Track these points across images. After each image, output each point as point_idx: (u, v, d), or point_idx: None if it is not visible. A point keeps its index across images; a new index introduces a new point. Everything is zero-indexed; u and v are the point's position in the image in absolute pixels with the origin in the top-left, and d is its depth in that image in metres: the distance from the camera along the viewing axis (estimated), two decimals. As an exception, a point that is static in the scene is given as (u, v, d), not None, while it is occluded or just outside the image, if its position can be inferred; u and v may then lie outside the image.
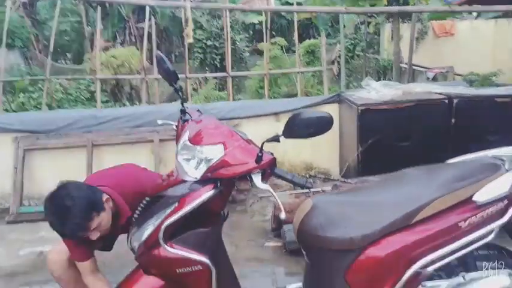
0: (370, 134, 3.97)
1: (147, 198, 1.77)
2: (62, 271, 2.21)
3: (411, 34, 6.26)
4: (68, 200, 1.85)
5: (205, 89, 9.48)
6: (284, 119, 1.57)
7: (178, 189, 1.69)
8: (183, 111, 2.06)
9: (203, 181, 1.66)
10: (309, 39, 12.56)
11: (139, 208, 1.78)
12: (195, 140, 1.72)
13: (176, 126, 2.11)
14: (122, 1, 10.30)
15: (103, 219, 1.94)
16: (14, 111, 7.82)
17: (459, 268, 1.90)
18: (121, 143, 4.51)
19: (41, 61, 8.81)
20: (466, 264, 1.91)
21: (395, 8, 6.69)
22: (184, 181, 1.69)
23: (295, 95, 6.03)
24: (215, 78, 9.72)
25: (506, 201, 1.81)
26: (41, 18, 13.38)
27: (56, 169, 4.47)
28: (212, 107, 4.98)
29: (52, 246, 3.27)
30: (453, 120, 4.03)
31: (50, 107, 7.73)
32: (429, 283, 1.82)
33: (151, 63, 5.83)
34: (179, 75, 2.09)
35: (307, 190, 3.27)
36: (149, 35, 5.35)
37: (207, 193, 1.65)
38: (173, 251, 1.69)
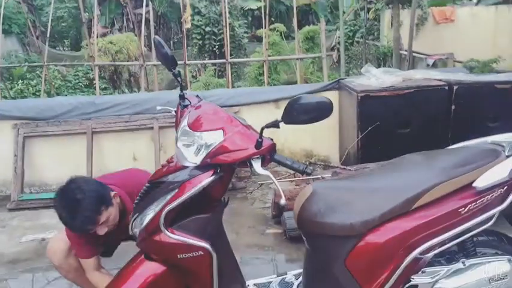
0: (370, 120, 3.96)
1: (148, 184, 1.77)
2: (62, 260, 2.23)
3: (411, 20, 6.21)
4: (78, 193, 1.89)
5: (204, 76, 9.46)
6: (284, 106, 1.56)
7: (178, 175, 1.68)
8: (182, 97, 2.05)
9: (203, 167, 1.66)
10: (308, 25, 12.50)
11: (140, 194, 1.78)
12: (195, 125, 1.71)
13: (175, 111, 2.10)
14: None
15: (111, 214, 1.98)
16: (13, 98, 7.81)
17: (459, 254, 1.91)
18: (121, 130, 4.50)
19: (38, 48, 8.74)
20: (466, 250, 1.91)
21: (395, -6, 6.63)
22: (185, 167, 1.68)
23: (295, 83, 6.01)
24: (214, 65, 9.67)
25: (506, 187, 1.81)
26: (38, 3, 13.26)
27: (56, 156, 4.49)
28: (211, 94, 4.96)
29: (53, 233, 3.31)
30: (453, 107, 4.02)
31: (48, 94, 7.71)
32: (429, 269, 1.82)
33: (150, 49, 5.80)
34: (178, 62, 2.08)
35: (306, 176, 3.28)
36: (147, 20, 5.30)
37: (207, 179, 1.64)
38: (174, 236, 1.69)
